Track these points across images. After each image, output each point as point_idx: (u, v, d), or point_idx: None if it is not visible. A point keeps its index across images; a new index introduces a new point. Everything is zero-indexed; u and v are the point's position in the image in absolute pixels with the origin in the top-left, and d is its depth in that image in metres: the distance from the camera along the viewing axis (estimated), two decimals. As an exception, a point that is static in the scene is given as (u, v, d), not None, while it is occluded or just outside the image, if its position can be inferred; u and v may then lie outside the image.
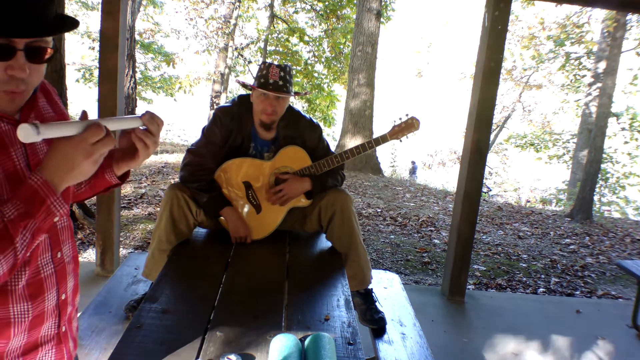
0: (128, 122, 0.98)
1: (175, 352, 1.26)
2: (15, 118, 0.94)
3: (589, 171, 7.16)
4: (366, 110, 9.12)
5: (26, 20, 0.81)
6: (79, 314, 1.17)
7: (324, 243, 2.25)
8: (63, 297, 1.03)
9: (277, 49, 14.03)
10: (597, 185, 9.13)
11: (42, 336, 1.00)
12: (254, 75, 2.19)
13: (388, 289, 2.59)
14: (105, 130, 0.86)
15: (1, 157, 0.90)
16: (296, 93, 2.29)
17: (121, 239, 4.01)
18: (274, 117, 2.11)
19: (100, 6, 3.01)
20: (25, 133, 0.77)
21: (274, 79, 2.04)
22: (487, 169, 7.79)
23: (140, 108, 12.53)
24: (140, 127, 1.00)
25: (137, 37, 11.09)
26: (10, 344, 0.95)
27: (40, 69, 0.90)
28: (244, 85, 2.23)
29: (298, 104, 14.34)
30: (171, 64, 13.52)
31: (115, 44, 2.93)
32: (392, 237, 4.95)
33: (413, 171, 14.34)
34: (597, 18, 10.05)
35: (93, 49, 12.49)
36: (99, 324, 2.07)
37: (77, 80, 12.93)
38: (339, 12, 13.33)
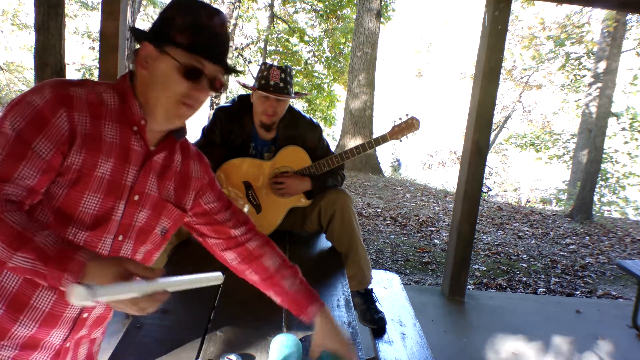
0: (203, 281, 0.91)
1: (175, 352, 1.26)
2: (150, 148, 1.04)
3: (589, 171, 7.16)
4: (366, 110, 9.12)
5: (221, 52, 0.99)
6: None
7: (324, 243, 2.25)
8: (85, 315, 1.04)
9: (277, 49, 14.04)
10: (597, 185, 9.13)
11: (47, 341, 1.00)
12: (254, 76, 2.19)
13: (388, 289, 2.59)
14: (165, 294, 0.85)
15: (118, 166, 0.97)
16: (296, 93, 2.29)
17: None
18: (275, 118, 2.11)
19: (100, 6, 3.01)
20: (78, 293, 0.71)
21: (275, 81, 2.04)
22: (487, 169, 7.79)
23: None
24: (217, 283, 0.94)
25: (137, 37, 11.05)
26: (17, 327, 0.95)
27: (207, 98, 1.02)
28: (244, 86, 2.23)
29: (298, 104, 14.35)
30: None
31: (115, 44, 2.93)
32: (392, 237, 4.95)
33: (397, 168, 14.29)
34: (597, 18, 10.05)
35: (93, 49, 12.49)
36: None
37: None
38: (339, 12, 13.33)
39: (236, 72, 1.04)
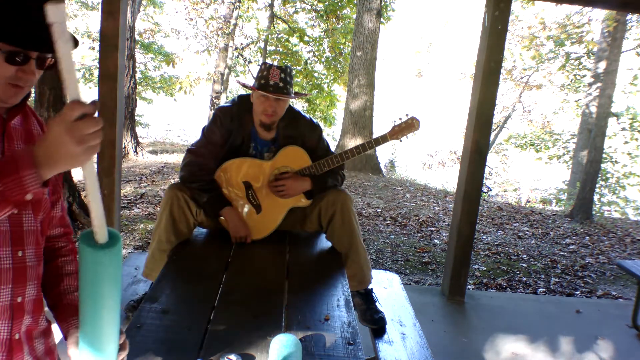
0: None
1: (175, 352, 1.26)
2: (3, 117, 1.03)
3: (589, 171, 7.15)
4: (366, 110, 9.12)
5: (42, 37, 0.94)
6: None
7: (324, 243, 2.25)
8: (19, 299, 1.02)
9: (277, 49, 14.02)
10: (597, 185, 9.13)
11: None
12: (255, 76, 2.19)
13: (388, 289, 2.59)
14: (84, 108, 0.81)
15: None
16: (296, 93, 2.29)
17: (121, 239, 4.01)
18: (274, 117, 2.11)
19: (100, 6, 3.01)
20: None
21: (275, 81, 2.04)
22: (487, 169, 7.79)
23: (140, 108, 12.55)
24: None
25: (137, 37, 11.08)
26: None
27: (39, 73, 1.03)
28: (244, 85, 2.23)
29: (298, 104, 14.34)
30: (171, 64, 13.51)
31: (115, 44, 2.93)
32: (392, 237, 4.95)
33: (391, 168, 14.24)
34: (597, 18, 10.05)
35: (93, 49, 12.48)
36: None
37: (77, 80, 12.90)
38: (339, 12, 13.32)
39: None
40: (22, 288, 1.02)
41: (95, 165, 3.02)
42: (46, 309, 1.14)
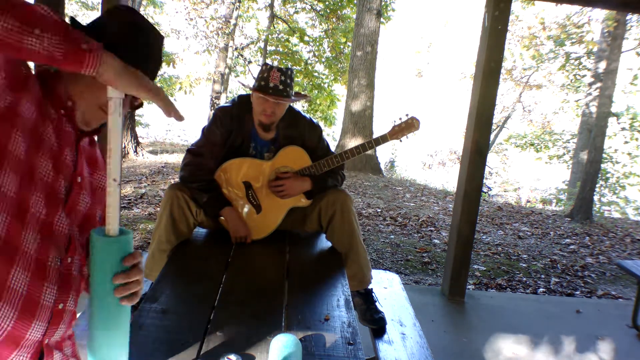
0: None
1: (175, 352, 1.26)
2: (78, 131, 1.06)
3: (589, 171, 7.15)
4: (366, 110, 9.12)
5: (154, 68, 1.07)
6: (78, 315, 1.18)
7: (324, 243, 2.25)
8: (60, 306, 1.01)
9: (277, 49, 14.03)
10: (597, 185, 9.13)
11: (27, 338, 0.94)
12: (255, 76, 2.19)
13: (388, 289, 2.59)
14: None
15: (57, 144, 0.99)
16: (297, 94, 2.28)
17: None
18: (273, 119, 2.11)
19: (100, 6, 3.01)
20: None
21: (274, 83, 2.03)
22: (487, 169, 7.79)
23: (140, 108, 12.52)
24: None
25: (137, 37, 11.04)
26: None
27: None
28: (245, 86, 2.23)
29: (298, 104, 14.30)
30: (171, 64, 13.51)
31: (115, 44, 2.92)
32: (392, 237, 4.95)
33: (391, 168, 14.25)
34: (597, 18, 10.05)
35: (93, 49, 12.46)
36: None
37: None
38: (339, 12, 13.32)
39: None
40: (65, 295, 1.02)
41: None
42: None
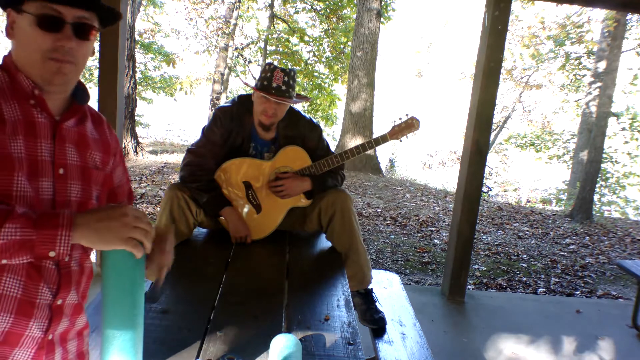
0: None
1: (175, 352, 1.26)
2: (56, 118, 1.00)
3: (589, 171, 7.15)
4: (366, 110, 9.12)
5: None
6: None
7: (324, 243, 2.25)
8: (59, 302, 1.00)
9: (277, 49, 14.03)
10: (597, 185, 9.12)
11: (27, 336, 0.96)
12: (255, 76, 2.19)
13: (388, 289, 2.59)
14: (149, 228, 0.90)
15: (29, 142, 0.94)
16: (298, 95, 2.28)
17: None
18: (273, 119, 2.11)
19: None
20: None
21: (278, 84, 2.03)
22: (487, 169, 7.79)
23: (140, 108, 12.53)
24: None
25: (137, 37, 11.07)
26: None
27: (85, 49, 0.96)
28: (247, 85, 2.23)
29: (298, 104, 14.30)
30: (171, 64, 13.52)
31: (115, 44, 2.93)
32: (392, 237, 4.95)
33: (392, 168, 14.25)
34: (597, 18, 10.04)
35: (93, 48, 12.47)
36: (99, 324, 2.07)
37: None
38: (339, 12, 13.32)
39: (110, 12, 0.96)
40: (65, 291, 1.01)
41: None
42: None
